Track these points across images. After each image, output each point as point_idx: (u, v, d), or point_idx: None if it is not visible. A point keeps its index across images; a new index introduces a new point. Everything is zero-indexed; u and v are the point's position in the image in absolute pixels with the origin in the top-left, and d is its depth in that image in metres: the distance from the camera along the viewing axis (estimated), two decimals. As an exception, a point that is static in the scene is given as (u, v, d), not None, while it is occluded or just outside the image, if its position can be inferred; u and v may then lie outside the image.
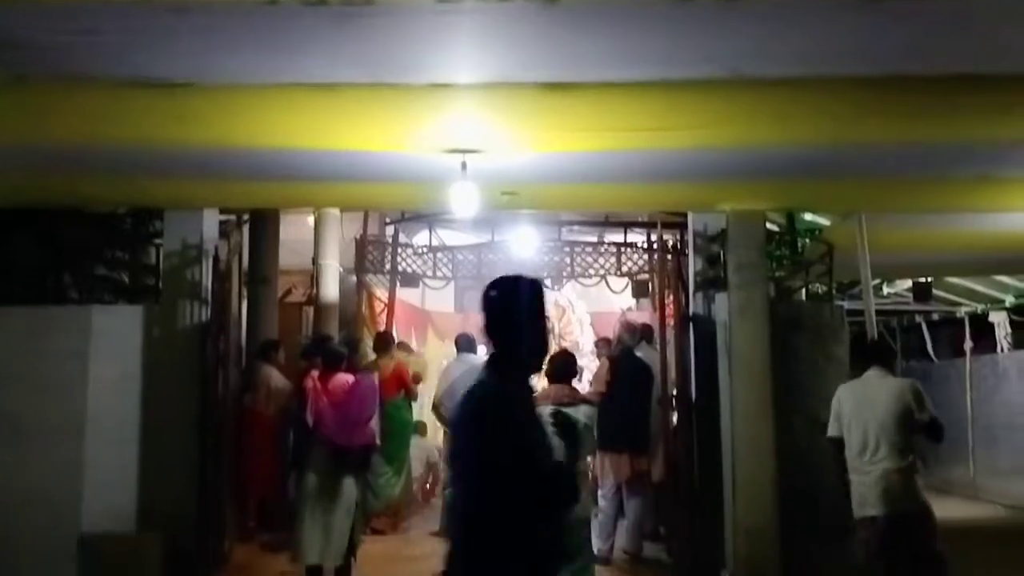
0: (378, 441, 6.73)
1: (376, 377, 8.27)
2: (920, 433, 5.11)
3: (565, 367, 5.77)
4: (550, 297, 11.77)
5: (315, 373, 6.17)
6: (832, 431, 5.30)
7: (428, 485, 10.09)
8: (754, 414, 6.32)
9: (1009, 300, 12.44)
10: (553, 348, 7.46)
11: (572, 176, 5.73)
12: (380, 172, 5.45)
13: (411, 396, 8.76)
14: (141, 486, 6.71)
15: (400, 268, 10.37)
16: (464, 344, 8.91)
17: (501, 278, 2.96)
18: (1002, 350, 12.95)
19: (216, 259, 7.07)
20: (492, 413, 2.73)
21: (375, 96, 4.20)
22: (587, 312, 12.04)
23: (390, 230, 10.70)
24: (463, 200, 5.33)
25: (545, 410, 5.45)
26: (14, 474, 6.46)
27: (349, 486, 5.92)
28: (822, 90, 4.15)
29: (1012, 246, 7.99)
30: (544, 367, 5.83)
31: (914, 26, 3.45)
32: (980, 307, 13.04)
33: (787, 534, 6.34)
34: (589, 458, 6.48)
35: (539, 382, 6.76)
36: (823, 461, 6.76)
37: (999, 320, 12.90)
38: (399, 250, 10.40)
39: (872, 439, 5.03)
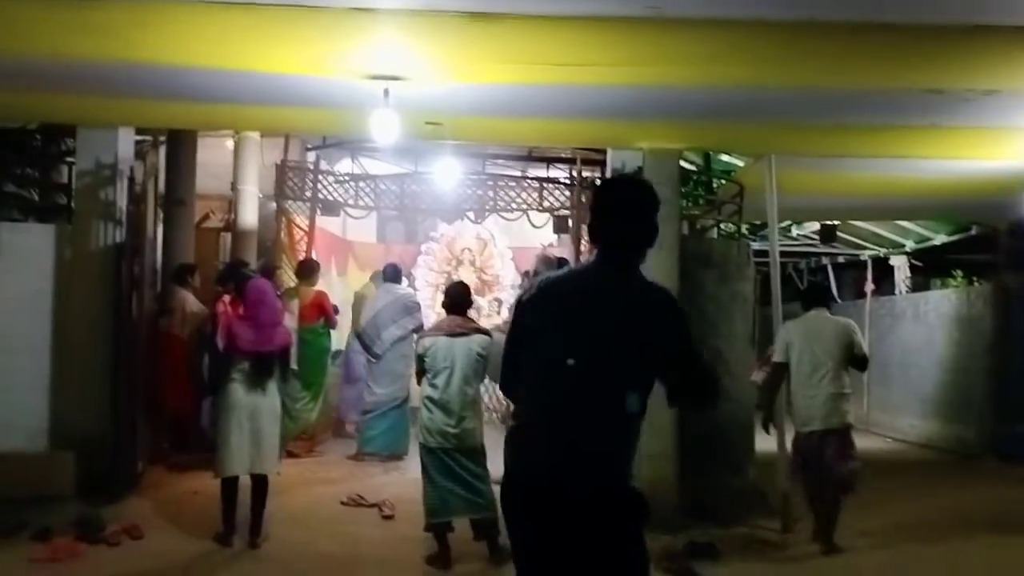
0: (294, 352, 6.72)
1: (296, 304, 8.37)
2: (853, 365, 6.22)
3: (459, 298, 5.91)
4: (471, 230, 11.89)
5: (227, 298, 6.17)
6: (780, 357, 6.31)
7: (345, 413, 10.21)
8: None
9: (909, 245, 13.02)
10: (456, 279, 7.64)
11: (496, 108, 5.79)
12: (301, 96, 5.42)
13: (330, 324, 8.81)
14: (53, 406, 6.69)
15: (321, 196, 10.30)
16: (391, 274, 9.00)
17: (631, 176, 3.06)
18: (900, 292, 13.60)
19: (131, 180, 6.95)
20: (678, 305, 2.73)
21: (295, 17, 4.17)
22: (508, 247, 12.17)
23: (312, 156, 10.58)
24: (384, 128, 5.34)
25: (437, 339, 5.69)
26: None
27: (273, 393, 5.93)
28: (740, 33, 4.27)
29: (913, 192, 8.37)
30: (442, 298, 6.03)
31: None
32: (882, 251, 13.63)
33: (687, 462, 6.68)
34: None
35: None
36: (725, 394, 7.14)
37: (899, 264, 13.52)
38: (320, 177, 10.31)
39: (820, 366, 6.07)
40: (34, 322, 6.70)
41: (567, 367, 2.62)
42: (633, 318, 2.64)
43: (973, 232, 11.55)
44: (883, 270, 14.08)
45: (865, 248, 13.79)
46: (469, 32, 4.11)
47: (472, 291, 11.60)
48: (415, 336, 7.98)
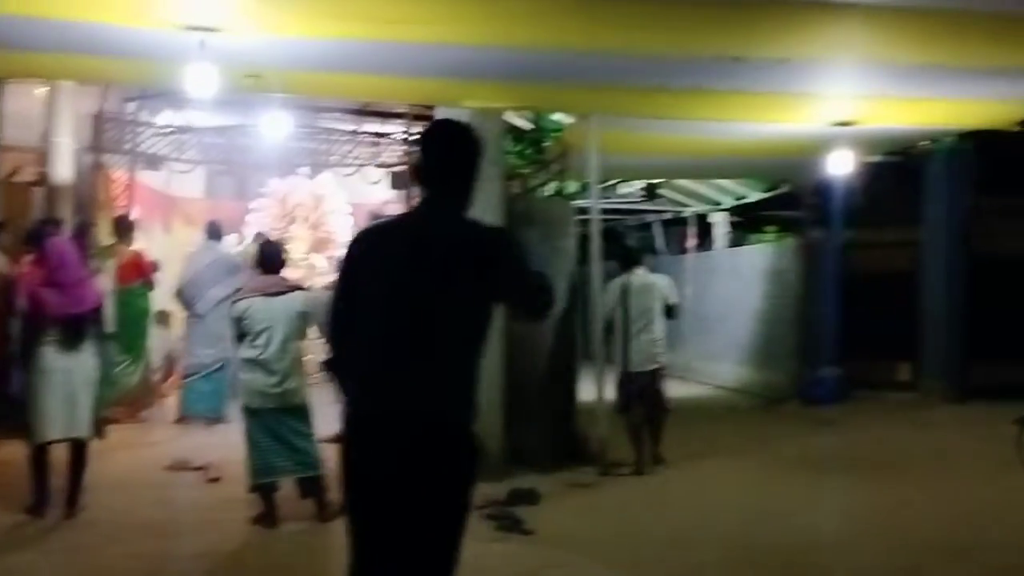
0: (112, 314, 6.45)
1: (112, 263, 8.02)
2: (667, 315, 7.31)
3: (274, 257, 5.86)
4: (305, 185, 11.67)
5: (30, 258, 5.84)
6: (611, 310, 7.20)
7: (168, 376, 9.91)
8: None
9: (728, 202, 13.79)
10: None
11: (318, 63, 5.72)
12: (114, 46, 5.17)
13: (149, 284, 8.50)
14: None
15: (142, 149, 9.82)
16: (213, 231, 8.75)
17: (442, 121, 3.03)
18: (719, 248, 14.42)
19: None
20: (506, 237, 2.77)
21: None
22: (346, 202, 12.02)
23: (131, 107, 10.05)
24: (201, 81, 5.18)
25: (254, 300, 5.61)
26: None
27: (87, 357, 5.69)
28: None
29: (726, 152, 8.88)
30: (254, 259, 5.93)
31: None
32: (704, 208, 14.38)
33: (511, 413, 6.92)
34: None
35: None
36: (548, 347, 7.44)
37: (718, 220, 14.32)
38: (141, 129, 9.82)
39: (642, 317, 7.15)
40: None
41: (399, 310, 2.64)
42: (462, 258, 2.65)
43: (784, 190, 12.36)
44: (706, 226, 14.87)
45: (688, 206, 14.49)
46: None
47: (306, 249, 11.55)
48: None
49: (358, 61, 5.55)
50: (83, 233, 7.95)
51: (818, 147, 7.79)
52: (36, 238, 6.23)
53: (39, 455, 5.63)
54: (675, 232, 16.26)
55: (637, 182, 12.92)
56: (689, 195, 13.97)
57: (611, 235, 17.52)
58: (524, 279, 2.71)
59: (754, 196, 13.07)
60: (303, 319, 5.74)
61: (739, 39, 4.98)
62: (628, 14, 4.69)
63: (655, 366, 7.33)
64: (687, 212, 14.67)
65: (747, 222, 14.51)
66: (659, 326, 7.25)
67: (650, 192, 12.27)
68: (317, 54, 5.35)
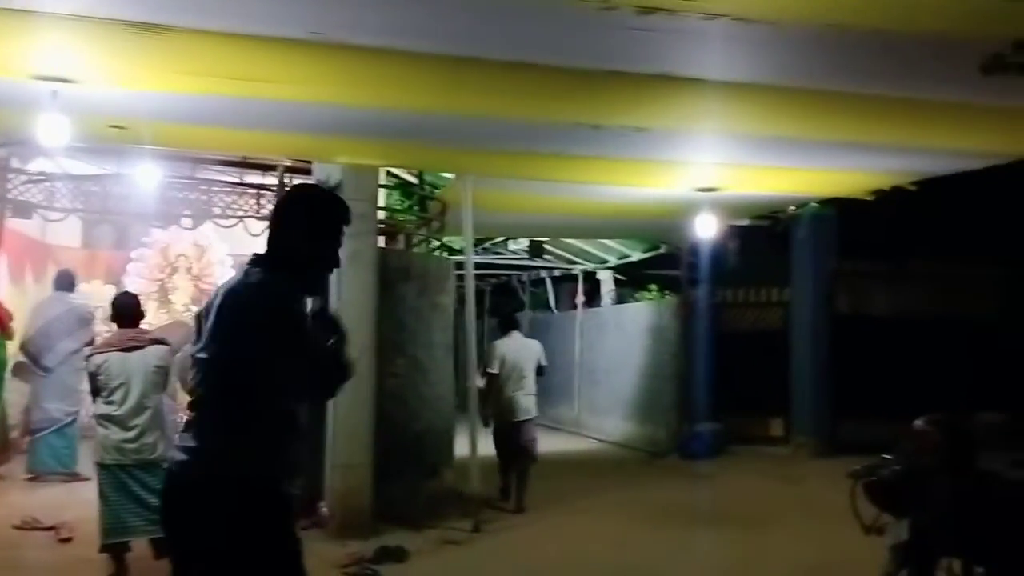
0: None
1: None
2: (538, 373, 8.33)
3: (129, 309, 5.72)
4: (188, 236, 11.44)
5: None
6: (494, 369, 7.98)
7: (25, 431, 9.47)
8: (356, 356, 6.73)
9: (613, 260, 14.17)
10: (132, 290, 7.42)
11: (188, 116, 5.67)
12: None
13: (6, 334, 8.17)
14: None
15: (11, 195, 9.49)
16: (63, 282, 8.51)
17: (311, 185, 3.09)
18: (605, 304, 14.76)
19: None
20: (271, 302, 2.69)
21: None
22: (228, 254, 11.83)
23: (1, 153, 9.72)
24: (53, 131, 5.07)
25: (109, 355, 5.49)
26: None
27: None
28: (409, 62, 4.51)
29: (599, 214, 9.15)
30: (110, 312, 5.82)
31: (468, 12, 3.90)
32: (591, 265, 14.73)
33: (384, 468, 6.88)
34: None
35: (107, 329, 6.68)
36: (423, 402, 7.46)
37: (605, 278, 14.69)
38: (11, 176, 9.50)
39: (521, 375, 8.07)
40: None
41: (200, 361, 2.75)
42: (230, 315, 2.70)
43: (663, 250, 12.80)
44: (594, 283, 15.21)
45: (576, 263, 14.82)
46: (135, 41, 4.04)
47: (188, 299, 11.27)
48: (86, 351, 7.62)
49: (225, 116, 5.55)
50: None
51: (686, 210, 8.12)
52: None
53: None
54: (566, 288, 16.58)
55: (524, 239, 13.16)
56: (576, 253, 14.30)
57: (504, 290, 17.79)
58: (295, 359, 2.70)
59: (636, 255, 13.47)
60: (161, 373, 5.62)
61: (595, 108, 5.17)
62: (490, 81, 4.83)
63: (527, 417, 8.16)
64: (576, 269, 14.99)
65: (631, 280, 14.91)
66: (530, 383, 8.15)
67: (535, 249, 12.52)
68: (182, 108, 5.32)
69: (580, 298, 14.96)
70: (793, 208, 10.16)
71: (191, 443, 2.74)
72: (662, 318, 12.40)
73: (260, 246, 8.56)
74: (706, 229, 8.05)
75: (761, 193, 8.02)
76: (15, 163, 9.72)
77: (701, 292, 11.93)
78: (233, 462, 2.71)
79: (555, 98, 5.15)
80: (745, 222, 10.66)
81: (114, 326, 5.77)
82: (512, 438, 8.01)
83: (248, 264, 2.84)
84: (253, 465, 2.73)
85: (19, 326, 8.52)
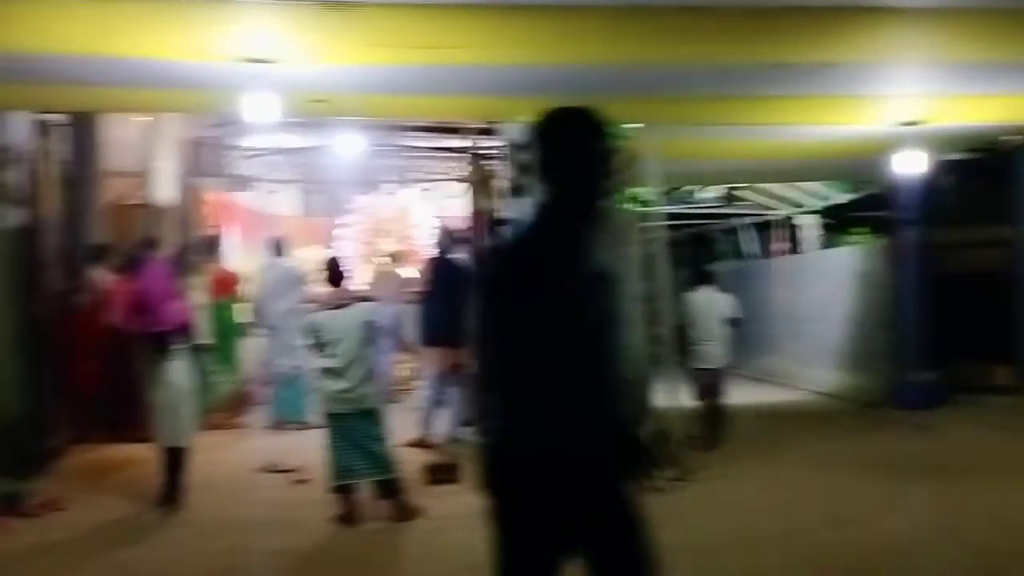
0: (203, 325, 6.84)
1: (205, 280, 8.56)
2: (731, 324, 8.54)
3: (335, 271, 6.21)
4: (393, 201, 12.10)
5: (113, 279, 6.26)
6: (686, 320, 8.31)
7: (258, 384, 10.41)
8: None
9: (814, 204, 13.54)
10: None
11: (380, 87, 5.99)
12: (183, 79, 5.57)
13: (235, 298, 9.00)
14: (-31, 386, 6.80)
15: (235, 171, 10.41)
16: (275, 247, 9.18)
17: (560, 109, 2.48)
18: (808, 250, 14.16)
19: (30, 161, 7.03)
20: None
21: (166, 7, 4.37)
22: (430, 216, 12.39)
23: (224, 132, 10.64)
24: (262, 108, 5.52)
25: (323, 313, 5.98)
26: None
27: (181, 369, 6.15)
28: (585, 16, 4.56)
29: (800, 155, 8.78)
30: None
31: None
32: (791, 211, 14.15)
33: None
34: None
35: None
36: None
37: (805, 223, 14.06)
38: (232, 152, 10.40)
39: (710, 327, 8.32)
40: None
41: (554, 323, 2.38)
42: (600, 284, 2.49)
43: (868, 191, 12.07)
44: (794, 229, 14.63)
45: (775, 209, 14.29)
46: (327, 19, 4.32)
47: (395, 260, 11.93)
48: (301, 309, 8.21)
49: (414, 84, 5.80)
50: (183, 253, 8.52)
51: (890, 147, 7.64)
52: (128, 260, 6.77)
53: (162, 457, 6.14)
54: (762, 235, 16.05)
55: (715, 188, 12.85)
56: (774, 198, 13.78)
57: (697, 240, 17.46)
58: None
59: (840, 198, 12.80)
60: (369, 328, 6.06)
61: (779, 46, 5.00)
62: (672, 27, 4.78)
63: (718, 366, 8.47)
64: (773, 215, 14.46)
65: (834, 224, 14.20)
66: (721, 334, 8.44)
67: (730, 197, 12.18)
68: (375, 79, 5.63)
69: (780, 245, 14.43)
70: (1011, 138, 9.29)
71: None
72: (871, 262, 11.74)
73: (457, 207, 8.97)
74: (914, 165, 7.56)
75: (972, 124, 7.43)
76: (236, 141, 10.61)
77: (913, 233, 11.17)
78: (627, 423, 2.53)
79: (735, 39, 5.02)
80: (957, 156, 9.85)
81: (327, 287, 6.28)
82: (706, 386, 8.32)
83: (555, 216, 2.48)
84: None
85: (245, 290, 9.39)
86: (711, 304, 8.45)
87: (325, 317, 6.00)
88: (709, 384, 8.34)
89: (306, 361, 8.69)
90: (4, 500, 6.24)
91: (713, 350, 8.34)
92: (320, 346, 6.01)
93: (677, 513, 6.28)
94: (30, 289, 6.97)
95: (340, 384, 5.94)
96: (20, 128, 7.08)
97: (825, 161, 9.19)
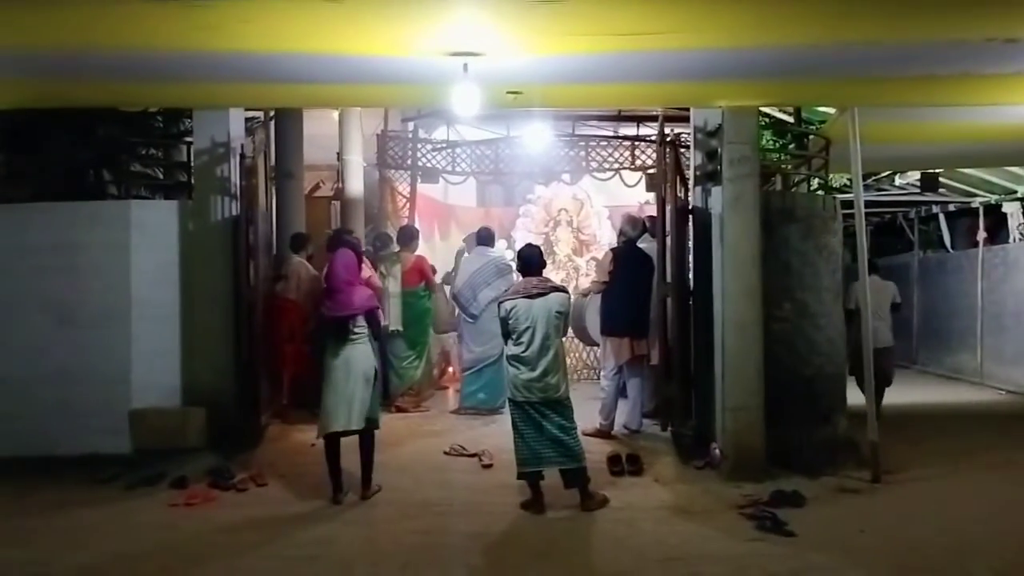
0: (383, 311, 7.00)
1: (398, 268, 8.87)
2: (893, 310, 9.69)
3: (533, 260, 6.24)
4: (567, 191, 12.12)
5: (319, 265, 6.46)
6: (851, 305, 8.44)
7: (443, 370, 10.71)
8: (741, 300, 6.71)
9: (1022, 191, 12.52)
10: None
11: (574, 76, 5.99)
12: (388, 74, 5.77)
13: (431, 287, 9.25)
14: (184, 366, 7.36)
15: (420, 163, 10.73)
16: (484, 237, 9.36)
17: None
18: (1014, 240, 13.12)
19: (243, 156, 7.50)
20: None
21: (376, 4, 4.53)
22: (604, 206, 12.33)
23: (410, 125, 11.01)
24: (466, 100, 5.64)
25: (518, 301, 6.00)
26: (67, 356, 7.13)
27: (361, 354, 6.29)
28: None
29: (1012, 137, 8.13)
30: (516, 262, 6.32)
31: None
32: (994, 198, 13.14)
33: (775, 413, 6.80)
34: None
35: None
36: (812, 346, 7.24)
37: (1012, 211, 13.02)
38: (419, 145, 10.73)
39: (879, 311, 9.12)
40: (164, 290, 7.35)
41: None
42: None
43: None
44: (997, 217, 13.59)
45: (976, 195, 13.33)
46: (537, 11, 4.36)
47: (570, 250, 11.95)
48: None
49: (610, 71, 5.76)
50: (382, 242, 8.85)
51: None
52: (333, 246, 7.08)
53: (328, 445, 6.34)
54: (963, 224, 15.00)
55: (914, 172, 12.09)
56: (976, 184, 12.84)
57: (887, 230, 16.54)
58: None
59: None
60: (561, 319, 6.08)
61: (1011, 19, 4.61)
62: (882, 3, 4.53)
63: (885, 345, 9.23)
64: (975, 202, 13.49)
65: (1047, 212, 13.06)
66: (886, 317, 9.52)
67: (928, 182, 11.43)
68: (569, 69, 5.63)
69: (982, 234, 13.44)
70: None
71: None
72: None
73: (637, 197, 8.88)
74: None
75: None
76: (422, 134, 10.95)
77: None
78: None
79: (961, 13, 4.68)
80: None
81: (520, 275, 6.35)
82: (879, 366, 7.92)
83: None
84: None
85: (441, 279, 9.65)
86: (878, 290, 9.25)
87: (518, 305, 6.07)
88: (879, 362, 7.95)
89: (502, 348, 8.90)
90: (213, 474, 6.72)
91: (882, 331, 9.20)
92: (512, 334, 6.09)
93: (876, 516, 6.03)
94: (239, 277, 7.42)
95: (530, 373, 6.00)
96: (236, 124, 7.55)
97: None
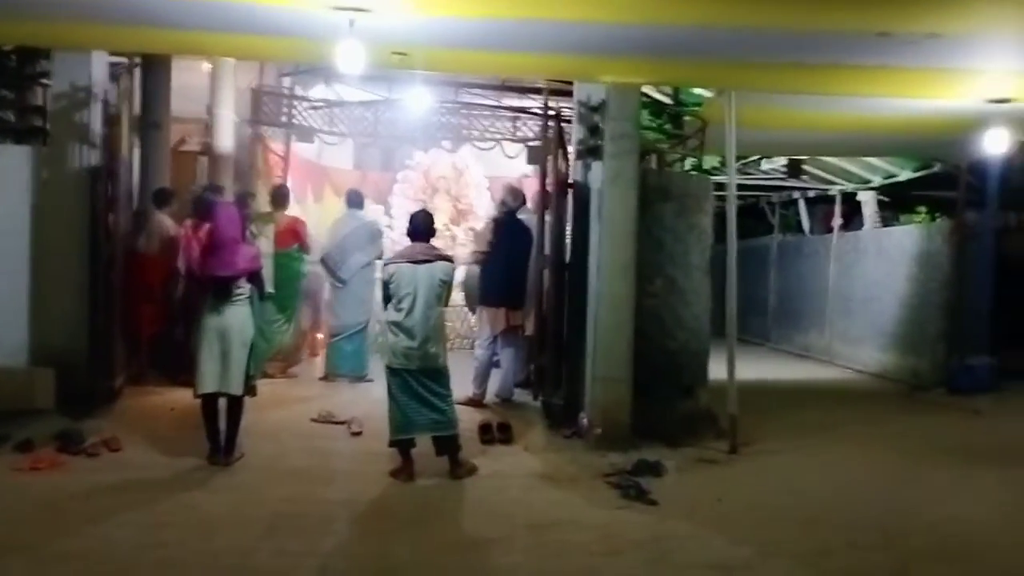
0: (266, 274, 6.81)
1: (271, 229, 8.58)
2: None
3: (423, 226, 6.18)
4: (447, 159, 12.03)
5: (188, 222, 6.23)
6: None
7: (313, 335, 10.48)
8: (616, 275, 6.84)
9: (877, 180, 13.25)
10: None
11: (462, 41, 5.91)
12: (269, 25, 5.53)
13: (304, 249, 9.01)
14: (33, 323, 6.94)
15: (296, 121, 10.38)
16: (354, 200, 9.18)
17: None
18: (866, 228, 13.89)
19: (106, 103, 7.07)
20: None
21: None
22: (484, 176, 12.31)
23: (286, 82, 10.62)
24: (350, 58, 5.46)
25: (401, 266, 5.93)
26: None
27: (241, 316, 6.09)
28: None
29: (872, 129, 8.57)
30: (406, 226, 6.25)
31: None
32: (851, 186, 13.87)
33: (641, 385, 6.99)
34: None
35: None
36: (679, 322, 7.46)
37: (866, 199, 13.78)
38: (295, 103, 10.38)
39: None
40: (12, 242, 6.89)
41: None
42: None
43: (936, 169, 11.78)
44: (853, 205, 14.36)
45: (834, 183, 14.03)
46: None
47: (447, 219, 11.89)
48: (379, 263, 8.22)
49: (499, 39, 5.72)
50: (244, 200, 8.53)
51: (973, 125, 7.43)
52: (201, 204, 6.77)
53: (204, 406, 6.13)
54: (821, 210, 15.79)
55: (780, 158, 12.61)
56: (835, 172, 13.52)
57: (750, 213, 17.23)
58: None
59: (904, 175, 12.51)
60: (445, 287, 6.03)
61: (884, 14, 4.83)
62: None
63: None
64: (833, 190, 14.21)
65: (897, 202, 13.90)
66: None
67: (793, 168, 11.95)
68: (460, 33, 5.55)
69: (837, 221, 14.18)
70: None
71: None
72: (932, 243, 11.49)
73: (516, 168, 8.92)
74: (996, 145, 7.34)
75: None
76: (298, 91, 10.59)
77: (982, 215, 10.90)
78: None
79: (840, 5, 4.86)
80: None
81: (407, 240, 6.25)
82: None
83: None
84: None
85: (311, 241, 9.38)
86: None
87: (401, 270, 5.98)
88: None
89: (372, 316, 8.77)
90: (62, 438, 6.35)
91: None
92: (392, 299, 6.00)
93: (735, 486, 6.31)
94: (96, 230, 7.01)
95: (409, 340, 5.93)
96: (99, 69, 7.09)
97: (902, 136, 8.94)
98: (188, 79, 9.95)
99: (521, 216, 8.11)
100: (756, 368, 12.01)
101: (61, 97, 6.99)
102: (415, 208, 11.63)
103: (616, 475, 6.19)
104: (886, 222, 13.99)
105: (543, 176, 7.62)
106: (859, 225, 14.26)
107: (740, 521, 5.49)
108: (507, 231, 7.90)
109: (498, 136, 10.80)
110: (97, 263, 7.03)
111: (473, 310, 8.50)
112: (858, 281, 13.38)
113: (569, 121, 8.03)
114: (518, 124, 10.73)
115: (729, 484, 6.34)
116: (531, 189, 9.27)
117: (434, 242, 6.30)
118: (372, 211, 11.32)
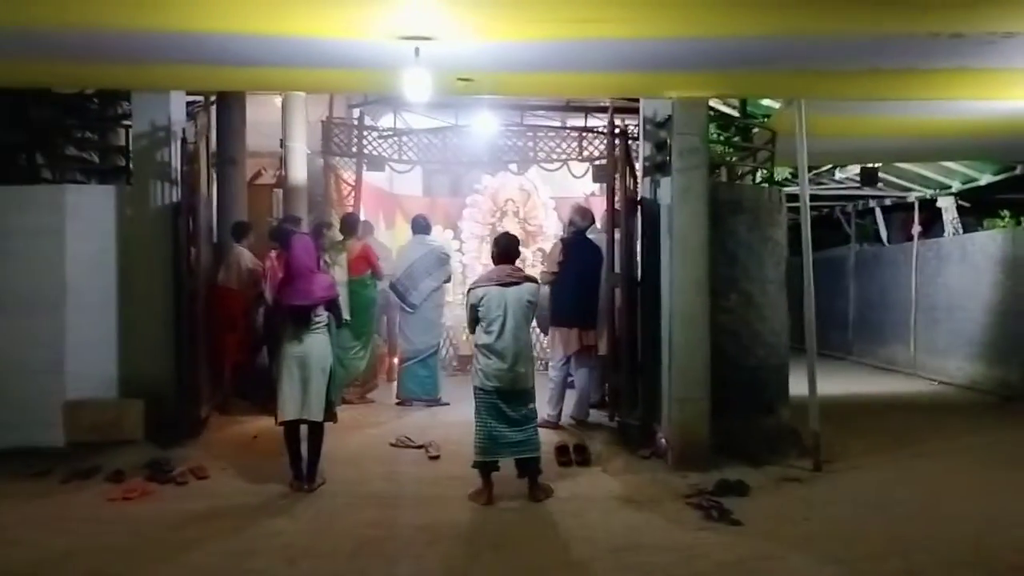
0: (342, 302, 6.89)
1: (344, 257, 8.73)
2: None
3: (508, 248, 6.19)
4: (515, 181, 12.08)
5: (274, 253, 6.38)
6: None
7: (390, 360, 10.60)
8: (690, 291, 6.75)
9: (956, 186, 12.85)
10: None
11: (526, 64, 5.94)
12: (338, 58, 5.65)
13: (377, 275, 9.13)
14: (121, 356, 7.15)
15: (366, 151, 10.58)
16: (421, 226, 9.28)
17: None
18: (948, 234, 13.47)
19: (184, 141, 7.29)
20: None
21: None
22: (551, 196, 12.33)
23: (356, 112, 10.84)
24: (416, 86, 5.56)
25: (489, 289, 5.96)
26: (-1, 345, 6.86)
27: (320, 344, 6.20)
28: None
29: (950, 133, 8.33)
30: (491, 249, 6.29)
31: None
32: (929, 192, 13.47)
33: (720, 403, 6.85)
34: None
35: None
36: (756, 338, 7.33)
37: (946, 205, 13.37)
38: (364, 133, 10.58)
39: None
40: (101, 279, 7.13)
41: None
42: None
43: (1019, 171, 11.37)
44: (932, 212, 13.95)
45: (912, 190, 13.65)
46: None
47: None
48: (447, 286, 8.24)
49: (562, 60, 5.73)
50: (319, 230, 8.72)
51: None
52: (280, 235, 6.91)
53: (287, 433, 6.25)
54: (898, 218, 15.37)
55: (853, 166, 12.33)
56: (912, 179, 13.16)
57: (825, 223, 16.87)
58: None
59: (985, 178, 12.11)
60: (532, 308, 6.05)
61: (959, 15, 4.70)
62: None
63: None
64: (911, 197, 13.82)
65: (977, 206, 13.44)
66: None
67: (868, 176, 11.66)
68: (523, 55, 5.58)
69: (916, 228, 13.78)
70: None
71: None
72: (1019, 247, 11.10)
73: (584, 188, 8.90)
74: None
75: None
76: (368, 121, 10.79)
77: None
78: None
79: (910, 7, 4.75)
80: None
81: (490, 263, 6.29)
82: None
83: None
84: None
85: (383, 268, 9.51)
86: None
87: (490, 293, 6.01)
88: None
89: (443, 339, 8.81)
90: (151, 467, 6.54)
91: None
92: (482, 321, 6.04)
93: (820, 504, 6.13)
94: (179, 265, 7.22)
95: (499, 362, 5.95)
96: (177, 108, 7.33)
97: (981, 139, 8.66)
98: (261, 114, 10.25)
99: (590, 235, 8.08)
100: (838, 383, 11.71)
101: (141, 137, 7.23)
102: (484, 231, 11.95)
103: (697, 496, 6.08)
104: (967, 228, 13.55)
105: (611, 194, 7.58)
106: (939, 232, 13.83)
107: (826, 540, 5.33)
108: (576, 251, 7.88)
109: (564, 156, 10.82)
110: (181, 296, 7.22)
111: (545, 331, 8.47)
112: (942, 290, 12.97)
113: (635, 138, 8.00)
114: (584, 143, 10.73)
115: (814, 502, 6.16)
116: (599, 208, 9.25)
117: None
118: (442, 236, 11.46)
